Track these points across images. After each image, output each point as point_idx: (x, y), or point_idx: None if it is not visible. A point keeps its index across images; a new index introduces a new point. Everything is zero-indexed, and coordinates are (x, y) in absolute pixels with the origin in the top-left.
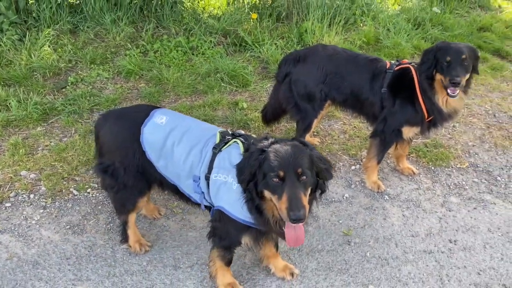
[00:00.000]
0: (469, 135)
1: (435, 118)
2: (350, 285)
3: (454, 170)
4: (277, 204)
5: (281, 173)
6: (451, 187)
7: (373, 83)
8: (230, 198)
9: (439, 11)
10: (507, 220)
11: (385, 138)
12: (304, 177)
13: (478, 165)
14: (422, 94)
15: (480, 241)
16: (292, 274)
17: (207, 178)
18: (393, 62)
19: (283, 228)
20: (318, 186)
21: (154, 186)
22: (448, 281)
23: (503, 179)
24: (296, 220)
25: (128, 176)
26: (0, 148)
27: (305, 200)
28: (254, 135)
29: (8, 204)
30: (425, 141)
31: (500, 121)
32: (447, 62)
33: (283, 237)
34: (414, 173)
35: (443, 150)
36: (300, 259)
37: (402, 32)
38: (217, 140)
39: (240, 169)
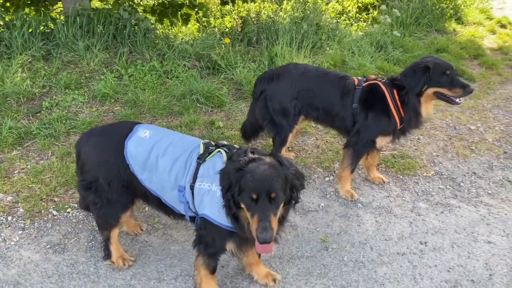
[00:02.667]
0: (433, 146)
1: (411, 125)
2: None
3: (421, 178)
4: (250, 220)
5: (255, 196)
6: (419, 193)
7: (343, 99)
8: (213, 205)
9: (400, 35)
10: (471, 221)
11: (358, 148)
12: (277, 198)
13: (443, 173)
14: (394, 106)
15: (448, 242)
16: (274, 280)
17: (192, 188)
18: (360, 78)
19: None
20: (292, 198)
21: (137, 200)
22: (421, 279)
23: (466, 185)
24: (263, 242)
25: (112, 191)
26: None
27: (274, 221)
28: (236, 146)
29: None
30: (393, 153)
31: (460, 132)
32: (447, 75)
33: None
34: (384, 182)
35: (410, 160)
36: (281, 266)
37: (366, 54)
38: (201, 151)
39: (222, 175)
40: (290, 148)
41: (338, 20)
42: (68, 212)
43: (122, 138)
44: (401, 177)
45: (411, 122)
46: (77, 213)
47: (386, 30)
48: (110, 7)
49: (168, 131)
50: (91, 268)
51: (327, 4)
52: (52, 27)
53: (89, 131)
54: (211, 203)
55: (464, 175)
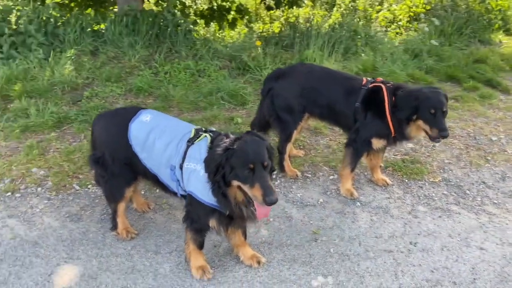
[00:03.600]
0: (446, 154)
1: (399, 137)
2: (311, 275)
3: (426, 184)
4: (249, 191)
5: (252, 166)
6: (420, 197)
7: (348, 98)
8: (198, 183)
9: (437, 44)
10: (468, 227)
11: (357, 147)
12: (268, 166)
13: (450, 180)
14: (390, 113)
15: (439, 244)
16: (258, 262)
17: (181, 167)
18: (369, 79)
19: (242, 209)
20: (272, 166)
21: (140, 177)
22: (402, 276)
23: (472, 193)
24: (272, 203)
25: (115, 166)
26: (17, 149)
27: (273, 185)
28: (223, 132)
29: (18, 195)
30: (403, 157)
31: (480, 142)
32: (431, 113)
33: (242, 217)
34: (387, 184)
35: (419, 165)
36: (269, 251)
37: (398, 61)
38: (192, 135)
39: (207, 163)
40: (301, 146)
41: (388, 29)
42: (89, 188)
43: (128, 120)
44: (406, 180)
45: (398, 133)
46: (96, 190)
47: (424, 38)
48: (161, 9)
49: (166, 117)
50: (99, 237)
51: (377, 12)
52: (103, 26)
53: (102, 113)
54: (195, 182)
55: (473, 183)
